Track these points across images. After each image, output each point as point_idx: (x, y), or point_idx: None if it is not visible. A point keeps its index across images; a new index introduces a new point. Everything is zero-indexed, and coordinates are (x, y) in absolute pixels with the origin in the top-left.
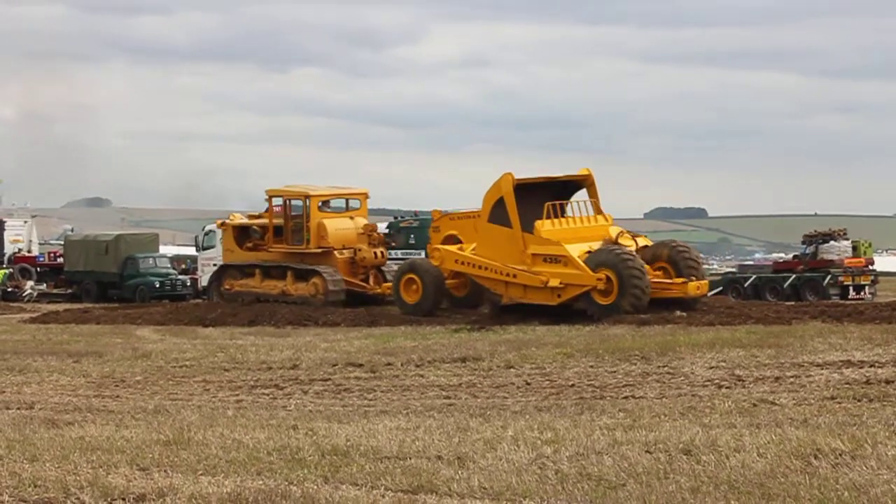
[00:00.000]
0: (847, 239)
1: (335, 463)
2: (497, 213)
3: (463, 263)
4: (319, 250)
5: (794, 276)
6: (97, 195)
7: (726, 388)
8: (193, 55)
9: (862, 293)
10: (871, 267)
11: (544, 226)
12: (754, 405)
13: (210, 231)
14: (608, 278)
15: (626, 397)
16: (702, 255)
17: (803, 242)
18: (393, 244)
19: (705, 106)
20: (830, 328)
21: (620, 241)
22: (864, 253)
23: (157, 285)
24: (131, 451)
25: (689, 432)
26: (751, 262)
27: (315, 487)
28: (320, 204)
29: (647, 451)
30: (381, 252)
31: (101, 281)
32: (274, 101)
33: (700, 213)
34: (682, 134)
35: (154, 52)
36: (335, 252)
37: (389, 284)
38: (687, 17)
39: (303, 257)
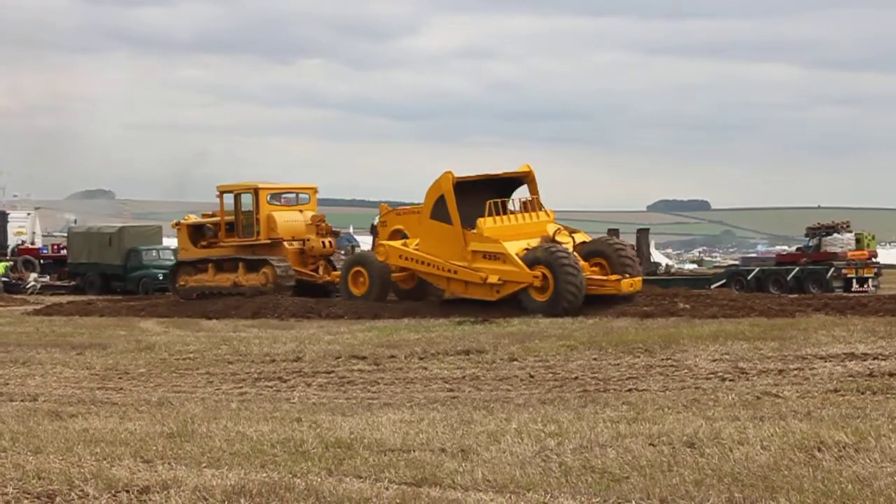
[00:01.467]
0: (850, 231)
1: (339, 455)
2: (438, 210)
3: (407, 259)
4: (269, 241)
5: (797, 268)
6: (100, 187)
7: (730, 380)
8: (195, 46)
9: (865, 286)
10: (874, 259)
11: (486, 223)
12: (758, 398)
13: None
14: (544, 276)
15: (629, 390)
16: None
17: (806, 235)
18: None
19: (707, 98)
20: (834, 321)
21: (558, 237)
22: (868, 245)
23: (161, 277)
24: (135, 443)
25: (693, 425)
26: (754, 255)
27: (319, 480)
28: (269, 197)
29: (650, 444)
30: (330, 242)
31: (104, 273)
32: (276, 92)
33: (703, 205)
34: (684, 126)
35: (156, 43)
36: (285, 243)
37: (338, 273)
38: (688, 8)
39: (254, 249)
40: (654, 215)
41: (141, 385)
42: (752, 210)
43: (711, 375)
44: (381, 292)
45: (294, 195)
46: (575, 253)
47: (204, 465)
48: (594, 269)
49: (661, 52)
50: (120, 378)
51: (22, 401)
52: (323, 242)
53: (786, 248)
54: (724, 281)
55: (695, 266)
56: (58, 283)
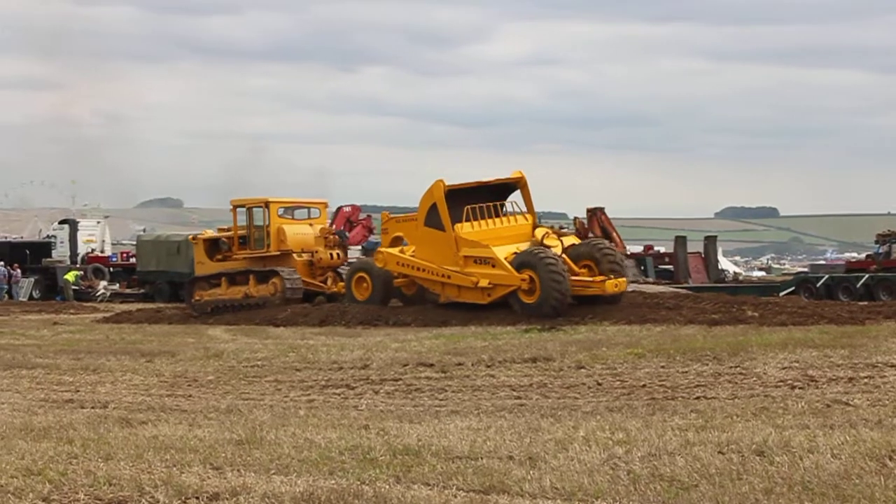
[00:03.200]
0: None
1: (407, 463)
2: (432, 217)
3: (403, 265)
4: (279, 253)
5: (867, 275)
6: (168, 196)
7: (799, 388)
8: (262, 55)
9: None
10: None
11: (464, 228)
12: (828, 406)
13: None
14: (531, 278)
15: (697, 398)
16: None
17: (877, 242)
18: None
19: (776, 104)
20: None
21: (546, 241)
22: None
23: None
24: (204, 450)
25: (762, 433)
26: (823, 262)
27: (387, 487)
28: (281, 211)
29: (719, 452)
30: (338, 254)
31: (172, 281)
32: (341, 100)
33: (772, 212)
34: (752, 132)
35: (223, 52)
36: (294, 255)
37: None
38: (757, 14)
39: (265, 261)
40: (721, 222)
41: (209, 392)
42: (821, 217)
43: (780, 383)
44: (384, 297)
45: (307, 209)
46: (564, 255)
47: (273, 471)
48: (583, 270)
49: (729, 58)
50: (189, 385)
51: (92, 408)
52: (331, 254)
53: (855, 255)
54: (792, 288)
55: (763, 273)
56: (127, 290)
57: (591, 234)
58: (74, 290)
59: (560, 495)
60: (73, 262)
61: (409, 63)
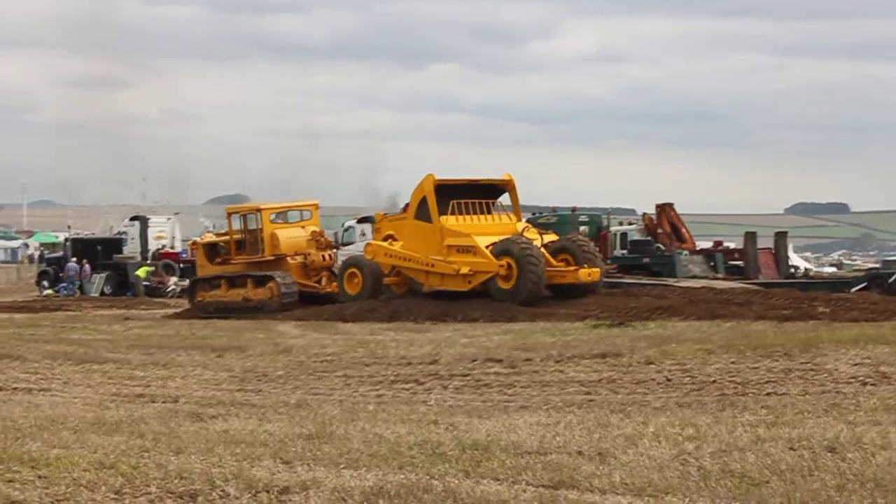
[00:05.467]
0: None
1: (476, 458)
2: (421, 210)
3: (391, 256)
4: (274, 257)
5: None
6: (237, 192)
7: (871, 384)
8: (330, 53)
9: None
10: None
11: (448, 220)
12: None
13: (349, 227)
14: (509, 265)
15: (768, 394)
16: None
17: None
18: None
19: (846, 99)
20: None
21: (526, 234)
22: None
23: None
24: (274, 444)
25: (834, 429)
26: (895, 258)
27: (456, 482)
28: (272, 216)
29: (790, 449)
30: (329, 255)
31: None
32: (410, 97)
33: (842, 208)
34: (822, 128)
35: (290, 50)
36: (288, 258)
37: None
38: (826, 8)
39: (260, 265)
40: (792, 218)
41: (279, 387)
42: (893, 212)
43: (852, 380)
44: (374, 291)
45: (298, 212)
46: (543, 249)
47: (342, 466)
48: (560, 262)
49: (798, 53)
50: (259, 380)
51: (163, 402)
52: (323, 256)
53: None
54: (864, 284)
55: (834, 269)
56: None
57: (659, 231)
58: (145, 285)
59: (630, 491)
60: (144, 258)
61: (476, 60)
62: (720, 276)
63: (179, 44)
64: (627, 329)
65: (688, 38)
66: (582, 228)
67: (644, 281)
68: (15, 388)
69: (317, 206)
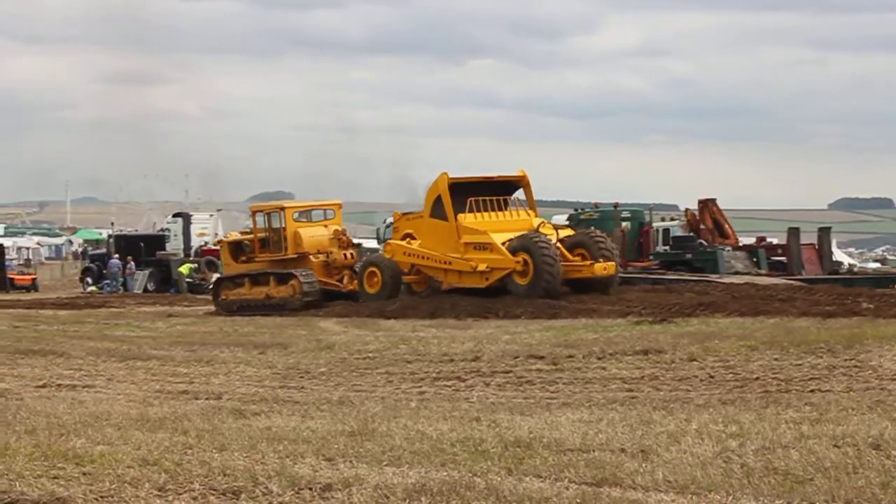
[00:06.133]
0: None
1: (518, 455)
2: (437, 209)
3: (409, 255)
4: (296, 255)
5: None
6: (278, 189)
7: None
8: (367, 48)
9: None
10: None
11: (466, 218)
12: None
13: (391, 223)
14: (525, 261)
15: (812, 391)
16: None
17: None
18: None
19: (888, 93)
20: None
21: (542, 230)
22: None
23: None
24: (317, 441)
25: (878, 426)
26: None
27: (499, 479)
28: (296, 215)
29: (834, 446)
30: (351, 254)
31: None
32: (448, 92)
33: (886, 203)
34: (864, 122)
35: (328, 45)
36: (310, 256)
37: None
38: (866, 1)
39: (283, 263)
40: (835, 213)
41: (321, 384)
42: None
43: None
44: (393, 290)
45: (322, 211)
46: (559, 244)
47: (385, 463)
48: (576, 257)
49: (839, 47)
50: (301, 377)
51: (206, 399)
52: (345, 254)
53: None
54: None
55: (878, 265)
56: None
57: (702, 227)
58: (188, 282)
59: (673, 488)
60: (187, 254)
61: (515, 55)
62: (763, 272)
63: (217, 40)
64: (670, 326)
65: (727, 31)
66: (624, 224)
67: (686, 277)
68: (59, 385)
69: (340, 206)
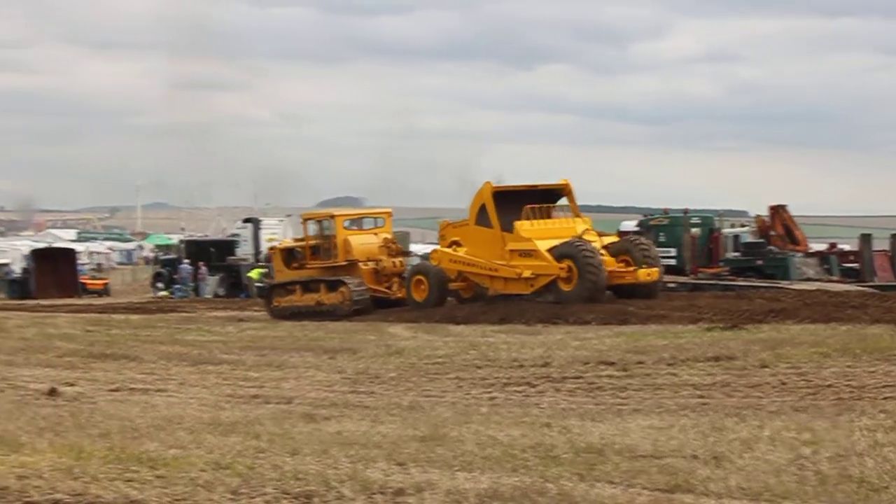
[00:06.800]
0: None
1: (590, 461)
2: (481, 217)
3: (456, 262)
4: (346, 263)
5: None
6: (347, 194)
7: None
8: (436, 54)
9: None
10: None
11: (523, 226)
12: None
13: None
14: (569, 267)
15: (886, 398)
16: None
17: None
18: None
19: None
20: None
21: (585, 237)
22: None
23: None
24: (388, 446)
25: None
26: None
27: (570, 485)
28: (347, 223)
29: None
30: (400, 262)
31: None
32: (517, 98)
33: None
34: None
35: (397, 51)
36: (360, 264)
37: None
38: None
39: (333, 270)
40: None
41: (391, 389)
42: None
43: None
44: (440, 298)
45: (373, 220)
46: (603, 250)
47: (456, 468)
48: (620, 263)
49: None
50: (371, 382)
51: (278, 403)
52: (393, 262)
53: None
54: None
55: None
56: None
57: (773, 233)
58: (258, 287)
59: (746, 495)
60: (257, 259)
61: (584, 61)
62: (835, 278)
63: (285, 46)
64: (741, 332)
65: (796, 37)
66: (693, 230)
67: (757, 283)
68: (132, 389)
69: (390, 214)
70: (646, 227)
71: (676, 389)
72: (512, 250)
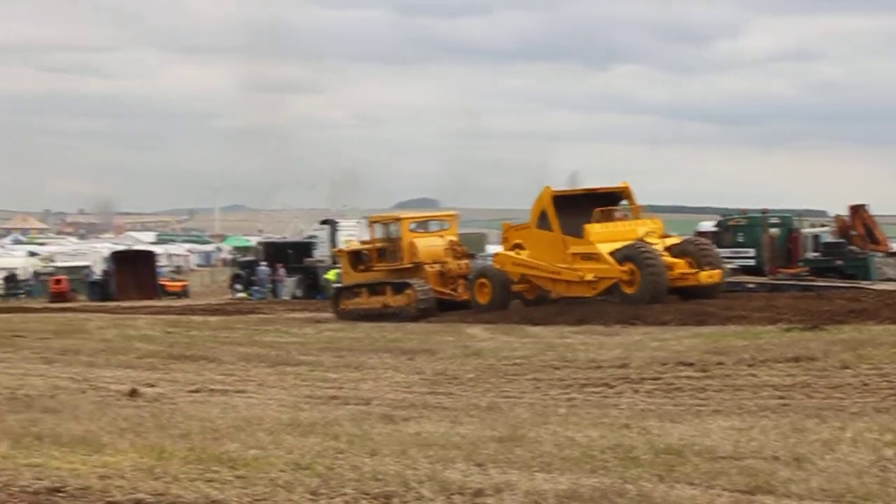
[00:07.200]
0: None
1: (669, 462)
2: (543, 221)
3: (518, 265)
4: (412, 265)
5: None
6: (423, 196)
7: None
8: (514, 55)
9: None
10: None
11: (594, 228)
12: None
13: None
14: (631, 270)
15: None
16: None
17: None
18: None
19: None
20: None
21: (647, 239)
22: None
23: None
24: (466, 447)
25: None
26: None
27: (650, 486)
28: (413, 226)
29: None
30: (466, 264)
31: None
32: (595, 98)
33: None
34: None
35: (475, 52)
36: (426, 266)
37: None
38: None
39: (399, 273)
40: None
41: (470, 390)
42: None
43: None
44: (503, 300)
45: (439, 222)
46: (665, 252)
47: (535, 469)
48: (683, 266)
49: None
50: (449, 383)
51: (356, 404)
52: (458, 264)
53: None
54: None
55: None
56: None
57: (853, 233)
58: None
59: (828, 497)
60: (334, 261)
61: (661, 60)
62: None
63: (362, 47)
64: (821, 333)
65: (877, 35)
66: (772, 231)
67: (837, 284)
68: (212, 390)
69: (455, 216)
70: (724, 228)
71: (756, 390)
72: (574, 253)
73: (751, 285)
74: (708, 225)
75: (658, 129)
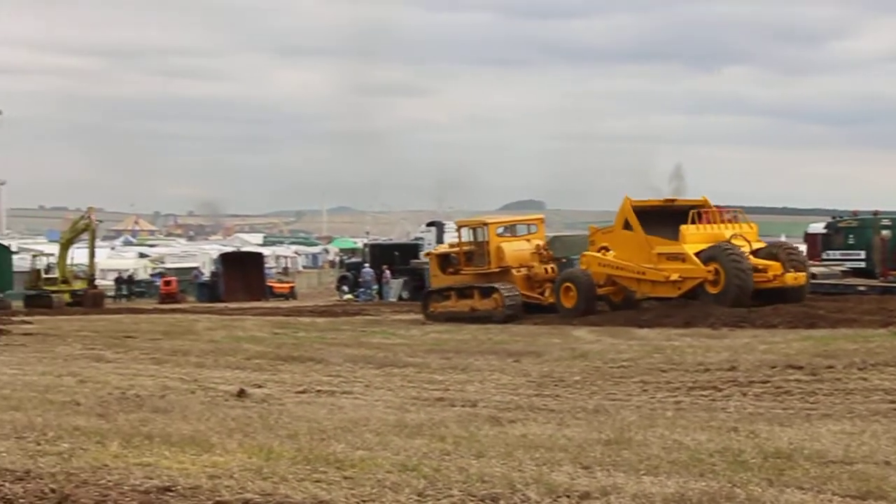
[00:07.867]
0: None
1: (779, 466)
2: (627, 226)
3: (604, 265)
4: (499, 269)
5: None
6: (530, 198)
7: None
8: (619, 57)
9: None
10: None
11: (689, 229)
12: None
13: None
14: (716, 270)
15: None
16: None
17: None
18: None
19: None
20: None
21: (733, 241)
22: None
23: None
24: (573, 449)
25: None
26: None
27: (759, 490)
28: (500, 230)
29: None
30: (552, 268)
31: None
32: (702, 100)
33: None
34: None
35: (580, 54)
36: (513, 270)
37: None
38: None
39: (487, 277)
40: None
41: (576, 392)
42: None
43: None
44: (589, 304)
45: (526, 226)
46: (750, 255)
47: (642, 472)
48: (768, 268)
49: None
50: (555, 385)
51: (462, 406)
52: (545, 268)
53: None
54: None
55: None
56: None
57: None
58: None
59: None
60: None
61: (770, 61)
62: None
63: (468, 51)
64: None
65: None
66: (884, 232)
67: None
68: (319, 391)
69: (542, 220)
70: (834, 230)
71: (867, 394)
72: (660, 254)
73: (861, 288)
74: (818, 227)
75: (767, 130)
